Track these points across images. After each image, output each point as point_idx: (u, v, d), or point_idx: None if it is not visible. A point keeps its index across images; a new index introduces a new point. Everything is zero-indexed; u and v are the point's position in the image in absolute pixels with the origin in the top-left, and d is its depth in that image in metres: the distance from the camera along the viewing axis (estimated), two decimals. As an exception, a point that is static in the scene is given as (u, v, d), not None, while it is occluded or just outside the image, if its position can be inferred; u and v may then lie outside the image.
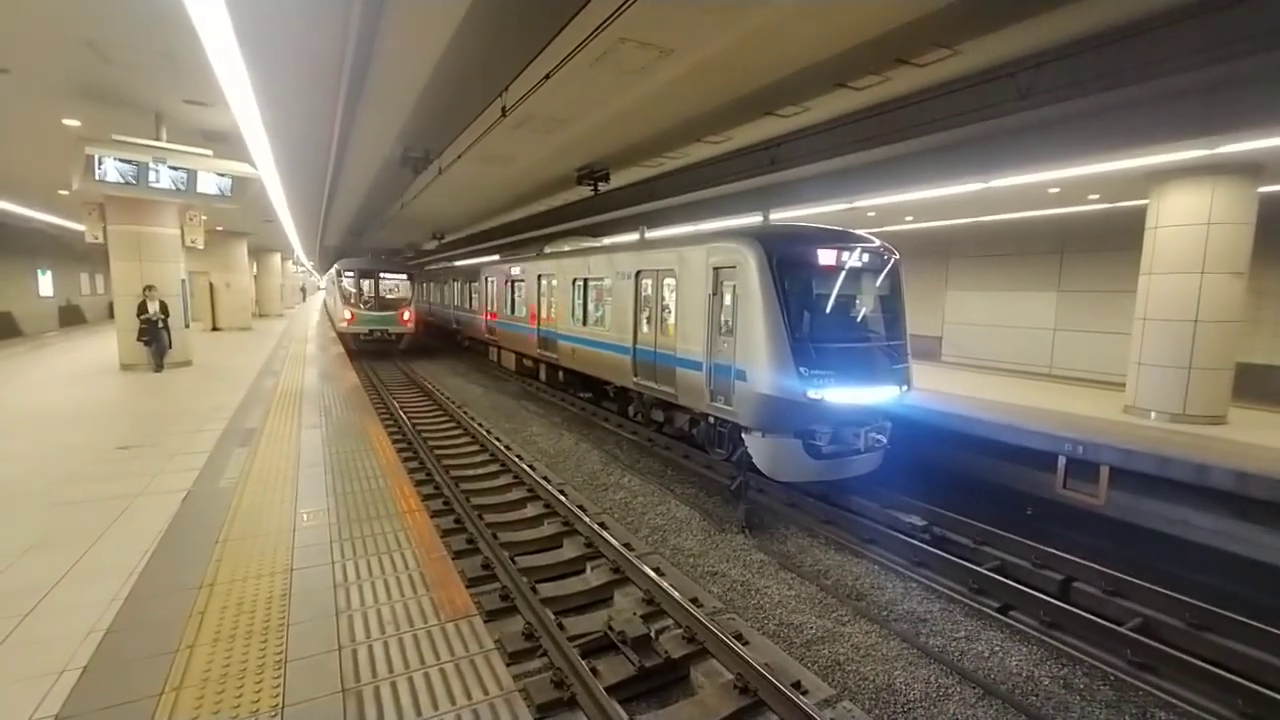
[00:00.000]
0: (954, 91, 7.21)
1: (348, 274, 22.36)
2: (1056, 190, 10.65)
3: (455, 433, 11.95)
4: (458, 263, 25.69)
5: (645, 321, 10.30)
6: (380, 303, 22.09)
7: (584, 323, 12.63)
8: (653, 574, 5.88)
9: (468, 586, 5.18)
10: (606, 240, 16.24)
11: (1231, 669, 4.75)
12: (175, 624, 3.34)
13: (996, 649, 5.11)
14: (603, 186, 12.47)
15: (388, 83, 7.65)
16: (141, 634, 3.25)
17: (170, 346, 12.54)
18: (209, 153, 9.60)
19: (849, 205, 12.00)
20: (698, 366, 8.61)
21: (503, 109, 7.09)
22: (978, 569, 6.29)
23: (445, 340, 26.78)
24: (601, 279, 11.91)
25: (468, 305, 21.35)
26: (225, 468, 6.21)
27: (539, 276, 15.00)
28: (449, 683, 2.90)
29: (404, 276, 23.10)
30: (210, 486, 5.65)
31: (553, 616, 5.19)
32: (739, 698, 4.36)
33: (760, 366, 7.38)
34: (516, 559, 6.39)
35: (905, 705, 4.46)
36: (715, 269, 8.32)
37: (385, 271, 22.71)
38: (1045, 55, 6.32)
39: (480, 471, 9.54)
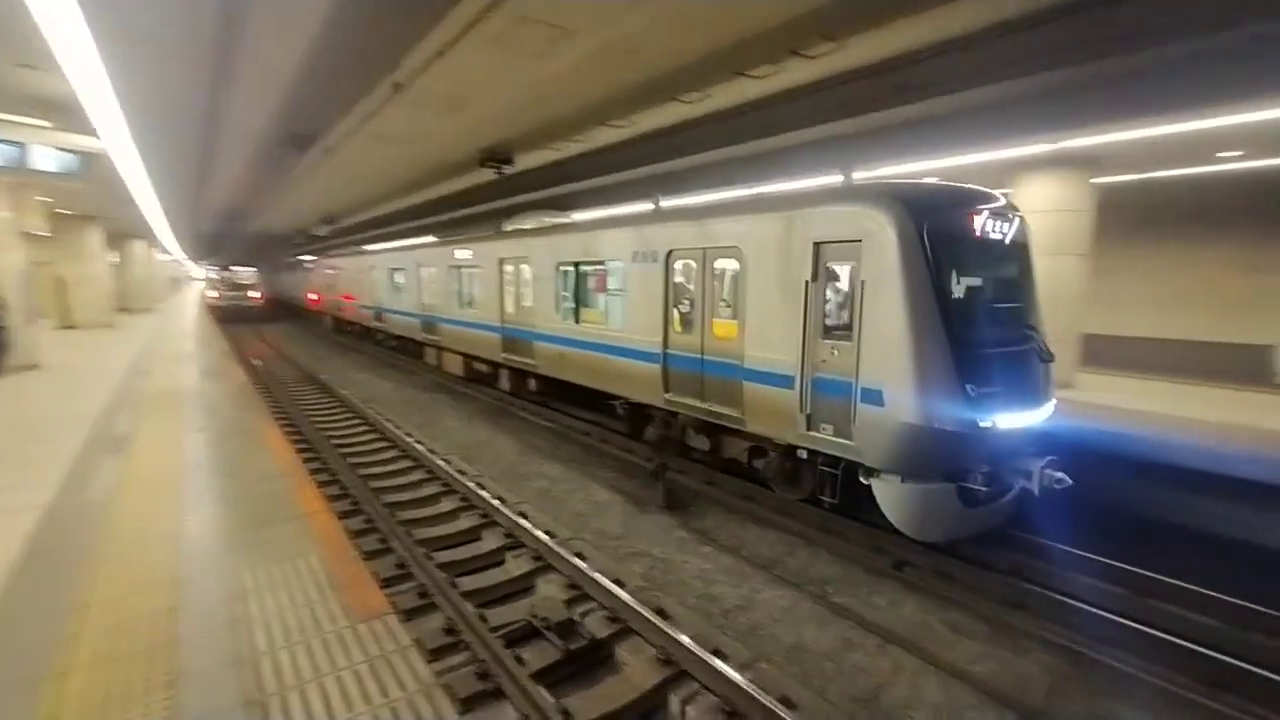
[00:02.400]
0: (841, 84, 7.62)
1: (214, 268, 38.77)
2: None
3: (362, 430, 11.33)
4: (373, 247, 23.46)
5: (682, 319, 7.89)
6: (235, 286, 36.17)
7: (577, 319, 10.03)
8: (575, 559, 5.90)
9: (383, 586, 4.99)
10: (596, 213, 13.59)
11: (1086, 600, 5.47)
12: (44, 651, 2.98)
13: (894, 600, 5.59)
14: (507, 170, 12.14)
15: (261, 53, 7.02)
16: (3, 665, 2.87)
17: (10, 347, 10.95)
18: (46, 124, 8.41)
19: (754, 192, 12.43)
20: (783, 381, 6.42)
21: (394, 86, 6.71)
22: (875, 527, 6.82)
23: (359, 339, 24.74)
24: (603, 263, 9.36)
25: (395, 298, 18.55)
26: (93, 478, 5.55)
27: (501, 261, 12.14)
28: (364, 683, 2.80)
29: (253, 270, 38.05)
30: (76, 499, 5.04)
31: (474, 609, 5.10)
32: (663, 669, 4.50)
33: (906, 384, 5.36)
34: (434, 555, 6.20)
35: (816, 659, 4.79)
36: (818, 245, 6.09)
37: (239, 266, 37.85)
38: (921, 53, 6.82)
39: (391, 469, 9.12)
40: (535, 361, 11.20)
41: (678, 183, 12.85)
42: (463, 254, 13.85)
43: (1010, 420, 5.56)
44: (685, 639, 4.60)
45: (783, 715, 3.82)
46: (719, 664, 4.35)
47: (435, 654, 4.64)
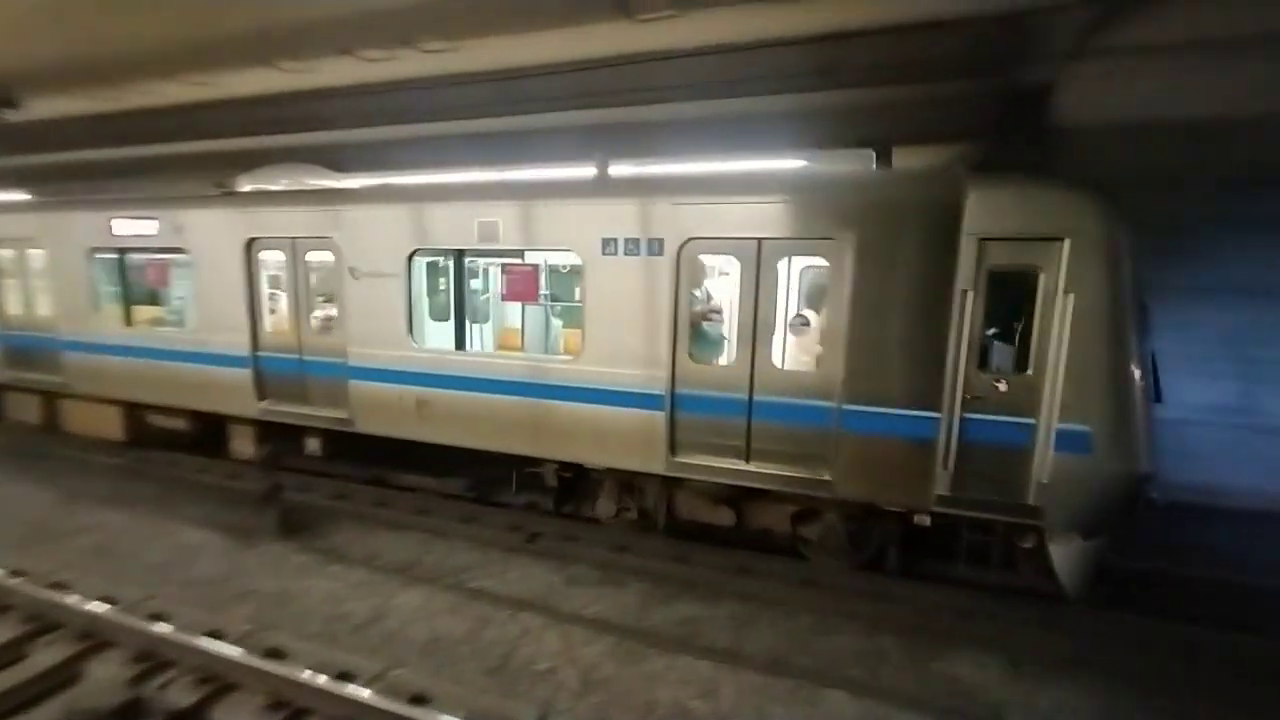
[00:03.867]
0: (460, 85, 7.80)
1: None
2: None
3: None
4: None
5: (704, 343, 5.97)
6: None
7: (461, 342, 6.91)
8: (146, 623, 4.71)
9: None
10: (504, 176, 8.22)
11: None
12: None
13: (525, 572, 6.08)
14: (8, 114, 8.75)
15: None
16: None
17: None
18: None
19: (383, 180, 11.71)
20: (914, 427, 4.99)
21: None
22: (511, 507, 7.28)
23: None
24: (523, 253, 6.64)
25: None
26: None
27: (250, 245, 7.36)
28: None
29: None
30: None
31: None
32: (272, 716, 3.96)
33: (1125, 423, 4.53)
34: None
35: (451, 646, 4.88)
36: (985, 241, 4.69)
37: None
38: (526, 70, 7.45)
39: None
40: (350, 415, 7.11)
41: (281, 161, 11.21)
42: (140, 227, 8.03)
43: None
44: (303, 674, 4.15)
45: (407, 715, 3.79)
46: (344, 687, 4.06)
47: None
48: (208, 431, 8.48)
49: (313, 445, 7.77)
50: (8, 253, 9.29)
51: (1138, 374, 4.55)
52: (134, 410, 8.77)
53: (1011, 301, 4.83)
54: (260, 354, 7.56)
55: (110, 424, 8.95)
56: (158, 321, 8.87)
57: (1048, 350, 4.65)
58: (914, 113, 7.26)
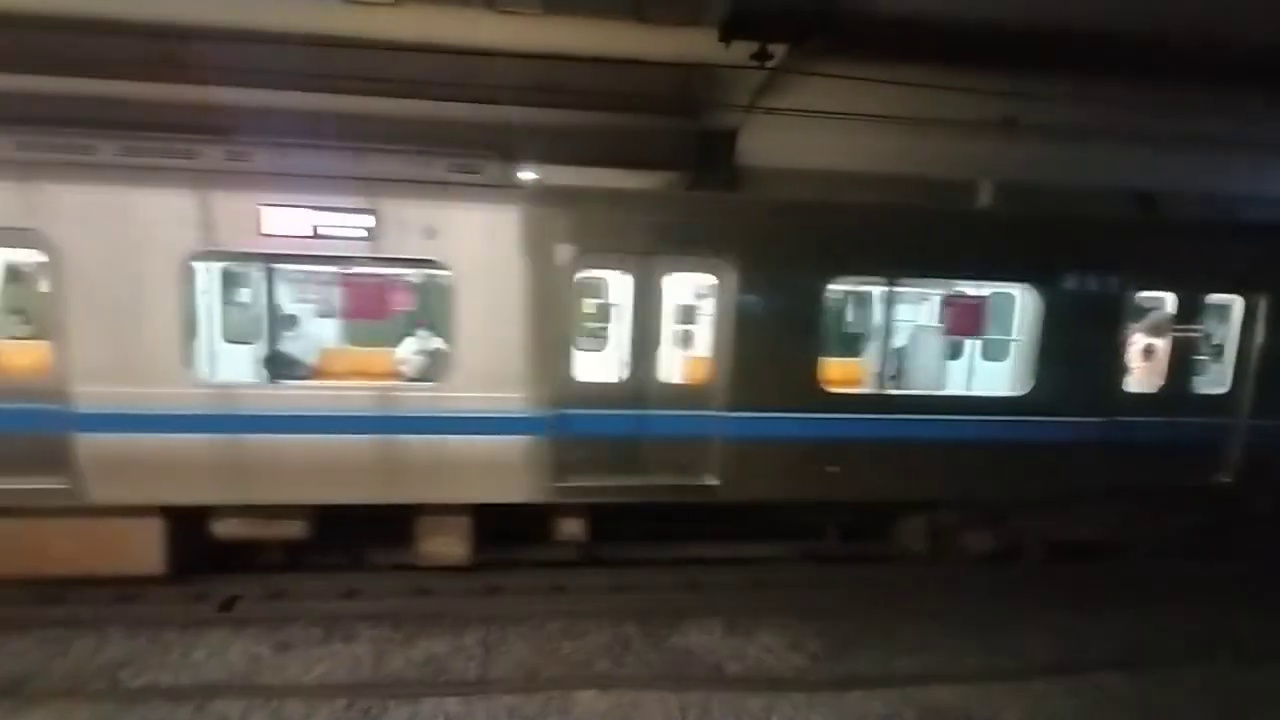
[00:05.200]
0: (97, 34, 6.01)
1: None
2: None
3: None
4: None
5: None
6: None
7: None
8: None
9: None
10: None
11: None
12: None
13: (218, 647, 4.89)
14: None
15: None
16: None
17: None
18: None
19: None
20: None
21: None
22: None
23: None
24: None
25: None
26: None
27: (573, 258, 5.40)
28: None
29: None
30: None
31: None
32: None
33: None
34: None
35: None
36: None
37: None
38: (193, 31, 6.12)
39: None
40: (720, 479, 5.70)
41: None
42: (331, 223, 5.04)
43: None
44: None
45: None
46: None
47: None
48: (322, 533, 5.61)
49: (572, 528, 5.88)
50: None
51: None
52: (187, 522, 5.34)
53: None
54: (566, 411, 5.45)
55: (136, 549, 5.27)
56: (353, 373, 6.30)
57: None
58: (629, 140, 8.00)
